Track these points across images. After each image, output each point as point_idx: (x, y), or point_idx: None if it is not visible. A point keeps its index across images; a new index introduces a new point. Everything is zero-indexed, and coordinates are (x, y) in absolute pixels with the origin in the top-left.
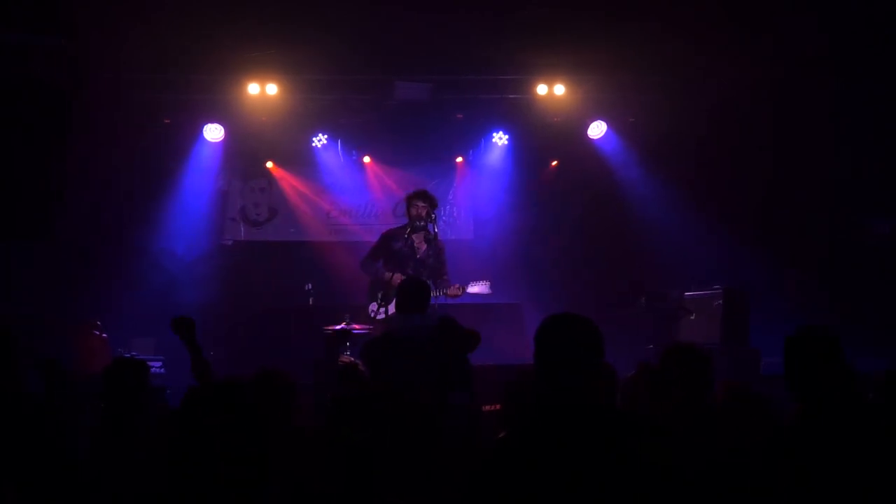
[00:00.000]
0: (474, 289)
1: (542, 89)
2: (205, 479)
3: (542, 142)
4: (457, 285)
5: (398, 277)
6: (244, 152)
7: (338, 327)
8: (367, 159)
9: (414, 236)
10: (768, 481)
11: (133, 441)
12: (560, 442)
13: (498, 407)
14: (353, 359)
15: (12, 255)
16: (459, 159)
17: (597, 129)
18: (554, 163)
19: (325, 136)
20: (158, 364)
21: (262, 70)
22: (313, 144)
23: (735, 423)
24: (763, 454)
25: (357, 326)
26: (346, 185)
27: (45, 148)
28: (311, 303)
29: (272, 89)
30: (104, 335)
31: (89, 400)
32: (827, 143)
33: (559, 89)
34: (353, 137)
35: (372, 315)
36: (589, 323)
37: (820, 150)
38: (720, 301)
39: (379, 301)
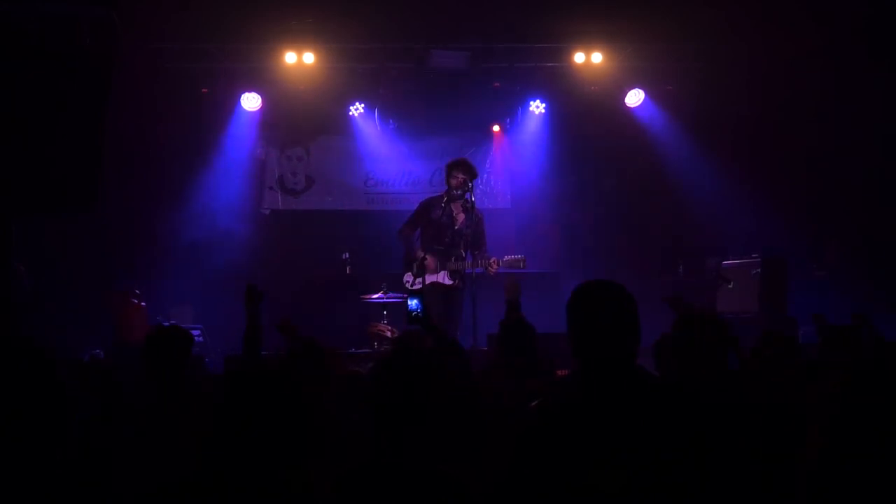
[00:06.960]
0: (509, 265)
1: (579, 57)
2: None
3: (580, 110)
4: (494, 259)
5: (431, 261)
6: (281, 121)
7: (374, 297)
8: (403, 128)
9: (452, 205)
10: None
11: (175, 410)
12: (595, 410)
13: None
14: (390, 327)
15: (53, 225)
16: (496, 128)
17: (634, 98)
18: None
19: (362, 105)
20: (197, 332)
21: (299, 39)
22: (350, 113)
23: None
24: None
25: (394, 295)
26: (382, 154)
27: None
28: (348, 272)
29: (309, 58)
30: (143, 304)
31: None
32: (870, 108)
33: (597, 57)
34: (390, 106)
35: (407, 285)
36: (621, 289)
37: (863, 116)
38: (758, 270)
39: (414, 272)
